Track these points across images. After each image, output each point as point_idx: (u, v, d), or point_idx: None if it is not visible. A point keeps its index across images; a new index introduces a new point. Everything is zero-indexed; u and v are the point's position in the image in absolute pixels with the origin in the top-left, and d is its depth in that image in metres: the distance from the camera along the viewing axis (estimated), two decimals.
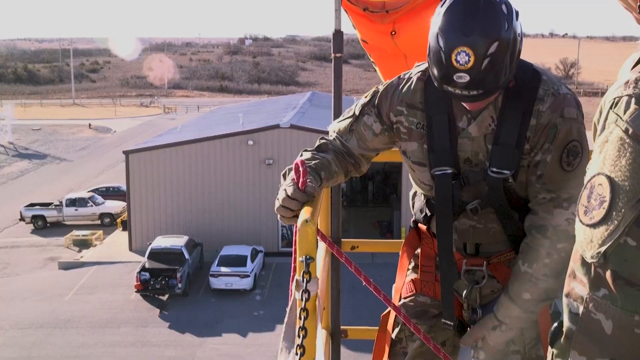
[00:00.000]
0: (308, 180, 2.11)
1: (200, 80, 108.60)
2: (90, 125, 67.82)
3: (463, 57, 1.99)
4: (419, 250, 2.52)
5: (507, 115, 2.20)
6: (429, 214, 2.44)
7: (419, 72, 2.37)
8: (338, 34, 3.86)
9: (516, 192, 2.27)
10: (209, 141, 30.91)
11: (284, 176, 2.28)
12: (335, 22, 3.87)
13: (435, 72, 2.10)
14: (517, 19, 2.09)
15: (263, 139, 30.19)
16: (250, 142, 30.32)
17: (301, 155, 2.33)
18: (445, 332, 2.48)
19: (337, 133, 2.45)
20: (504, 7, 2.06)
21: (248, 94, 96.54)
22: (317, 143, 2.42)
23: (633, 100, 1.27)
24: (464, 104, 2.23)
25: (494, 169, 2.20)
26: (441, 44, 2.04)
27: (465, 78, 2.01)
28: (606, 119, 1.32)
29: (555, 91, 2.21)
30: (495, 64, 2.01)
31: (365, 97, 2.43)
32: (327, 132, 2.56)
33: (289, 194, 2.12)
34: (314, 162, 2.28)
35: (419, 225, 2.50)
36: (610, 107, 1.31)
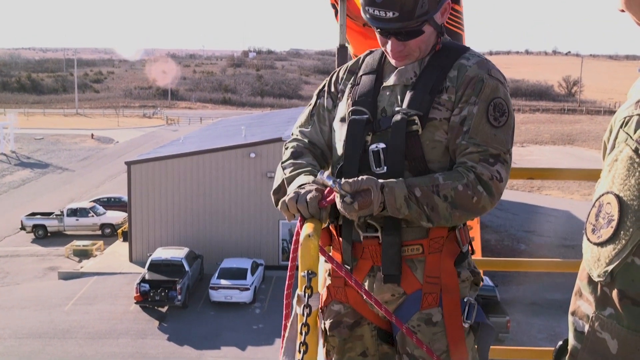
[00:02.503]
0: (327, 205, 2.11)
1: (204, 92, 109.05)
2: (92, 135, 68.01)
3: None
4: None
5: (428, 70, 2.29)
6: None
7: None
8: (342, 48, 3.88)
9: (421, 147, 2.22)
10: (211, 153, 30.97)
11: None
12: (340, 37, 3.88)
13: None
14: None
15: (265, 151, 30.22)
16: (252, 155, 30.36)
17: (283, 165, 2.35)
18: (363, 342, 2.41)
19: (299, 128, 2.52)
20: None
21: (251, 106, 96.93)
22: (288, 150, 2.43)
23: None
24: (392, 61, 2.32)
25: (403, 111, 2.25)
26: None
27: None
28: (616, 137, 1.32)
29: (480, 56, 2.31)
30: None
31: (319, 88, 2.55)
32: None
33: (308, 199, 2.11)
34: (303, 173, 2.28)
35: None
36: (621, 126, 1.31)
